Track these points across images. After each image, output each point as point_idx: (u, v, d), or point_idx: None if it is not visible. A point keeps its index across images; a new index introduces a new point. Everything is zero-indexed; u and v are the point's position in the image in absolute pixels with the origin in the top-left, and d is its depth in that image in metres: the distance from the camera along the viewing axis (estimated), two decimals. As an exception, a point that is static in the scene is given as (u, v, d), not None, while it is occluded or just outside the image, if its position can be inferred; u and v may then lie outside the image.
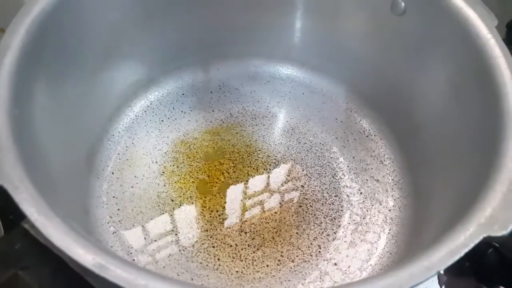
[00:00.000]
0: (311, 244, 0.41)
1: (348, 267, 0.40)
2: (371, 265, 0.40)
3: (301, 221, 0.42)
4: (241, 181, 0.44)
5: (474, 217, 0.26)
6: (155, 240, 0.41)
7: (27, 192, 0.25)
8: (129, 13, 0.42)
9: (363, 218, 0.43)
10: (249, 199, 0.43)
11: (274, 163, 0.46)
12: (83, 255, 0.23)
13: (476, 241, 0.25)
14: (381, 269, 0.40)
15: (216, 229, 0.41)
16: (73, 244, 0.23)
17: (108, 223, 0.41)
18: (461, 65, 0.36)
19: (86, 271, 0.22)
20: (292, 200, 0.43)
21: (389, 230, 0.42)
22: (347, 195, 0.44)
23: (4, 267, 0.28)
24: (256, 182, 0.44)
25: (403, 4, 0.39)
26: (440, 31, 0.38)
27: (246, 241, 0.41)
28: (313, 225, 0.42)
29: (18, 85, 0.30)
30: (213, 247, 0.41)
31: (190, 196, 0.43)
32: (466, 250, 0.25)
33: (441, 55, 0.38)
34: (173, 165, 0.45)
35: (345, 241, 0.41)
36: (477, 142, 0.34)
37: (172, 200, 0.43)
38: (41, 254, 0.26)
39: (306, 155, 0.46)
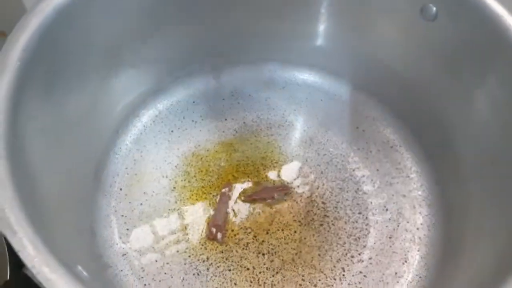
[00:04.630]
0: (334, 266, 0.38)
1: (375, 292, 0.37)
2: (399, 290, 0.37)
3: (323, 241, 0.39)
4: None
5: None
6: (167, 263, 0.38)
7: (27, 237, 0.22)
8: (135, 21, 0.39)
9: (389, 237, 0.40)
10: (266, 217, 0.41)
11: (292, 177, 0.43)
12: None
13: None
14: (410, 295, 0.37)
15: (232, 251, 0.39)
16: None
17: (117, 244, 0.39)
18: (501, 76, 0.33)
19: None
20: (313, 218, 0.40)
21: (418, 250, 0.39)
22: (372, 213, 0.41)
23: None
24: (274, 199, 0.42)
25: (434, 8, 0.36)
26: (477, 39, 0.34)
27: (264, 264, 0.38)
28: (336, 246, 0.39)
29: (16, 109, 0.28)
30: (229, 270, 0.38)
31: (204, 214, 0.40)
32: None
33: (478, 64, 0.35)
34: (185, 180, 0.42)
35: (371, 263, 0.39)
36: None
37: (184, 218, 0.40)
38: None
39: (326, 167, 0.43)
